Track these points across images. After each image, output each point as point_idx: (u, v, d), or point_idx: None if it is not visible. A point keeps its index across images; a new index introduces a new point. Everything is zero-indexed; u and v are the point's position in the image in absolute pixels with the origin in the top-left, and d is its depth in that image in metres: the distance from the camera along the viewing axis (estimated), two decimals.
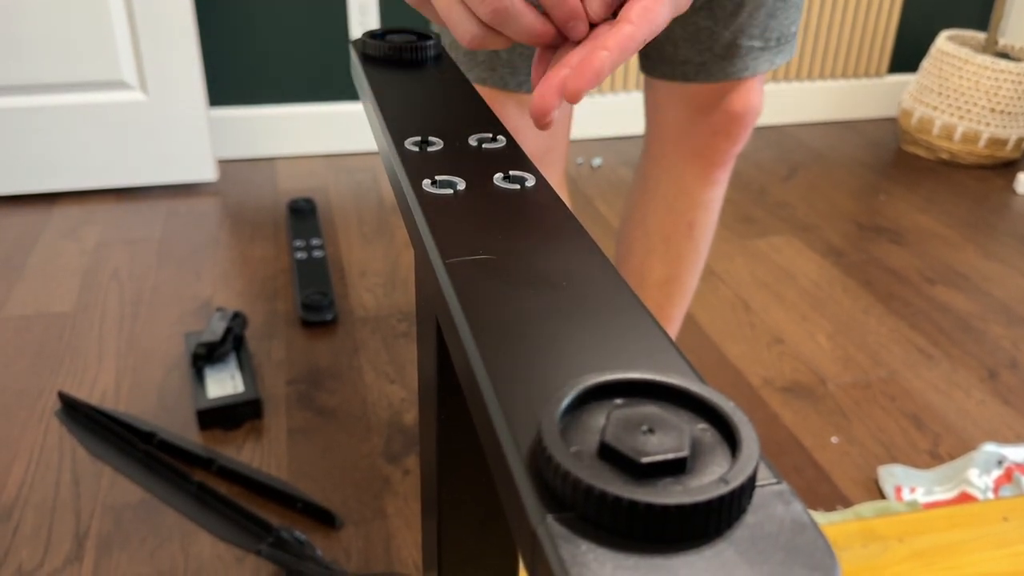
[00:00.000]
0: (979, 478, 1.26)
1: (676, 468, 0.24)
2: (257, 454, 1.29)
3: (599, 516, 0.22)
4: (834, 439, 1.36)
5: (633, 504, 0.22)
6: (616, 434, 0.24)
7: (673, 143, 1.08)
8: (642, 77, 1.09)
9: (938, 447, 1.36)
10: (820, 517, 1.20)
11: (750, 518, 0.23)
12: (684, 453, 0.24)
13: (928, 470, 1.30)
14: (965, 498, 1.24)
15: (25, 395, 1.40)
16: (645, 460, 0.23)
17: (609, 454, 0.24)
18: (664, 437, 0.24)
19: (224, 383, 1.39)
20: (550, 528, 0.22)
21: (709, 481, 0.23)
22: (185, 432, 1.33)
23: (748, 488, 0.23)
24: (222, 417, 1.34)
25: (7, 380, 1.43)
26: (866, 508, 1.21)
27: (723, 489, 0.22)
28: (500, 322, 0.33)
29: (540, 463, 0.24)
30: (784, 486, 0.24)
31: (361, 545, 1.15)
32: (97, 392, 1.41)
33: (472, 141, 0.52)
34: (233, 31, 2.18)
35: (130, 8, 1.93)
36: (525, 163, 0.51)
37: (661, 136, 1.10)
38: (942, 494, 1.25)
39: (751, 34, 0.97)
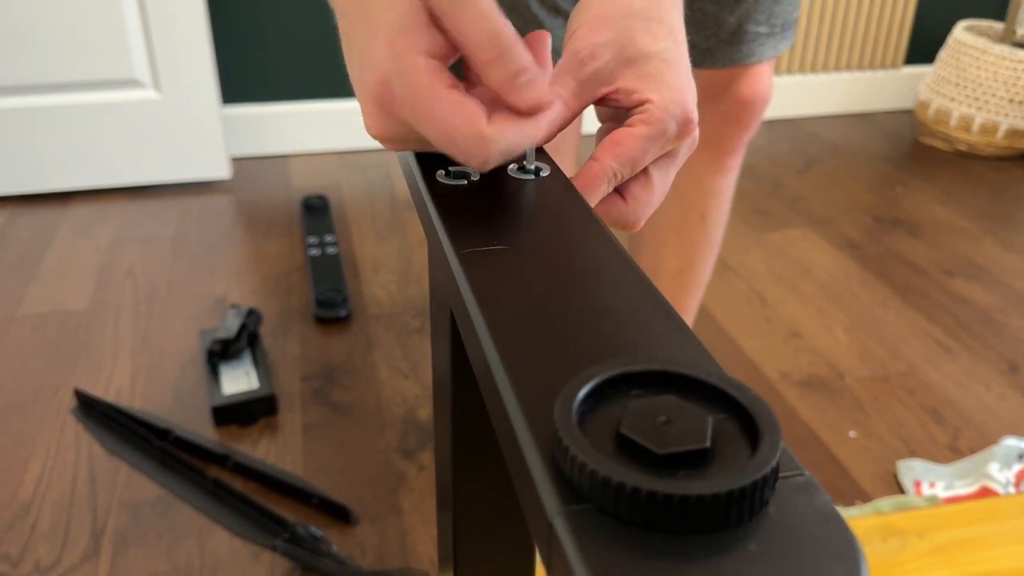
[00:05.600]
0: (1000, 472, 1.25)
1: (696, 459, 0.23)
2: (272, 450, 1.29)
3: (617, 508, 0.21)
4: (852, 433, 1.35)
5: (652, 495, 0.21)
6: (634, 425, 0.23)
7: None
8: None
9: (958, 441, 1.34)
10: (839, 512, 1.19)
11: (773, 510, 0.22)
12: (704, 444, 0.23)
13: (948, 464, 1.28)
14: (985, 493, 1.23)
15: (41, 393, 1.40)
16: (664, 451, 0.22)
17: (627, 445, 0.23)
18: (684, 428, 0.23)
19: (239, 380, 1.39)
20: (567, 520, 0.21)
21: (730, 472, 0.22)
22: (201, 429, 1.33)
23: (771, 479, 0.22)
24: (237, 413, 1.34)
25: (23, 378, 1.44)
26: (885, 503, 1.20)
27: (744, 480, 0.21)
28: (515, 312, 0.33)
29: (556, 454, 0.23)
30: (808, 477, 0.23)
31: (377, 541, 1.15)
32: (113, 389, 1.41)
33: None
34: (246, 28, 2.18)
35: (143, 6, 1.94)
36: (540, 152, 0.50)
37: None
38: (962, 489, 1.24)
39: (757, 20, 0.96)
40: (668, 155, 0.52)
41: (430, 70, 0.41)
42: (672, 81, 0.50)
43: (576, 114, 0.52)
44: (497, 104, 0.43)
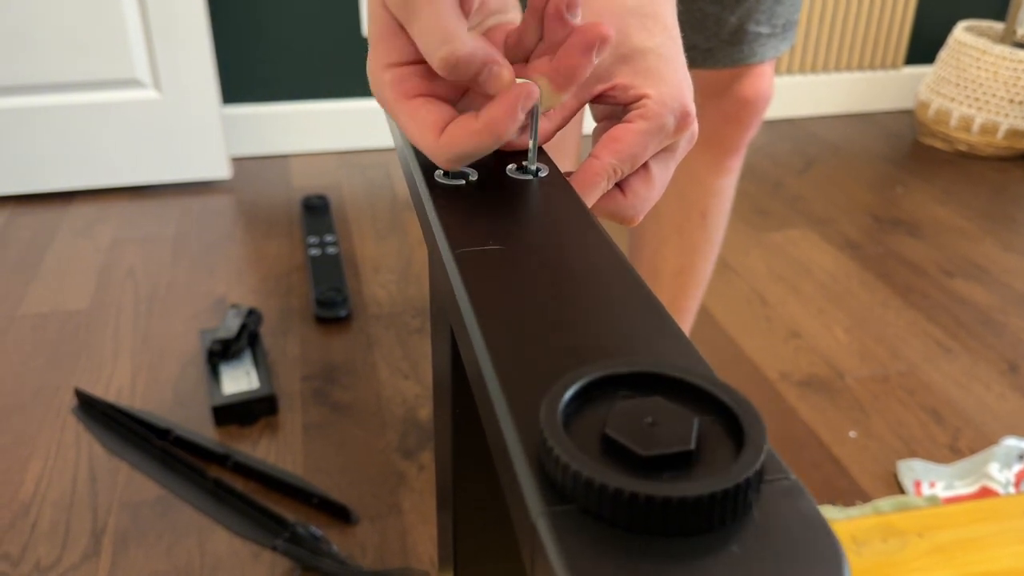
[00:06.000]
0: (1000, 472, 1.25)
1: (681, 461, 0.23)
2: (272, 450, 1.29)
3: (600, 509, 0.22)
4: (852, 433, 1.35)
5: (634, 497, 0.21)
6: (619, 426, 0.23)
7: None
8: None
9: (958, 441, 1.34)
10: (839, 512, 1.19)
11: (757, 513, 0.22)
12: (689, 446, 0.23)
13: (948, 464, 1.28)
14: (985, 493, 1.23)
15: (42, 392, 1.41)
16: (648, 453, 0.23)
17: (612, 447, 0.23)
18: (669, 430, 0.23)
19: (239, 379, 1.39)
20: (549, 521, 0.22)
21: (714, 475, 0.22)
22: (201, 428, 1.33)
23: (755, 482, 0.22)
24: (238, 413, 1.34)
25: (24, 378, 1.44)
26: (885, 503, 1.20)
27: (728, 483, 0.21)
28: (507, 313, 0.33)
29: (541, 455, 0.23)
30: (793, 481, 0.24)
31: (377, 541, 1.15)
32: (113, 389, 1.41)
33: None
34: (246, 28, 2.19)
35: (143, 6, 1.94)
36: (540, 153, 0.50)
37: None
38: (962, 489, 1.24)
39: (758, 20, 0.96)
40: (667, 150, 0.52)
41: (394, 83, 0.46)
42: (669, 76, 0.50)
43: (574, 112, 0.52)
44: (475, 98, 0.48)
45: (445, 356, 0.47)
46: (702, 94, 1.03)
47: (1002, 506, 1.19)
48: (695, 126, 0.52)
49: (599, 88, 0.51)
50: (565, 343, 0.31)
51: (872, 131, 2.58)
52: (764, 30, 0.97)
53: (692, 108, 0.51)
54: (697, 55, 0.98)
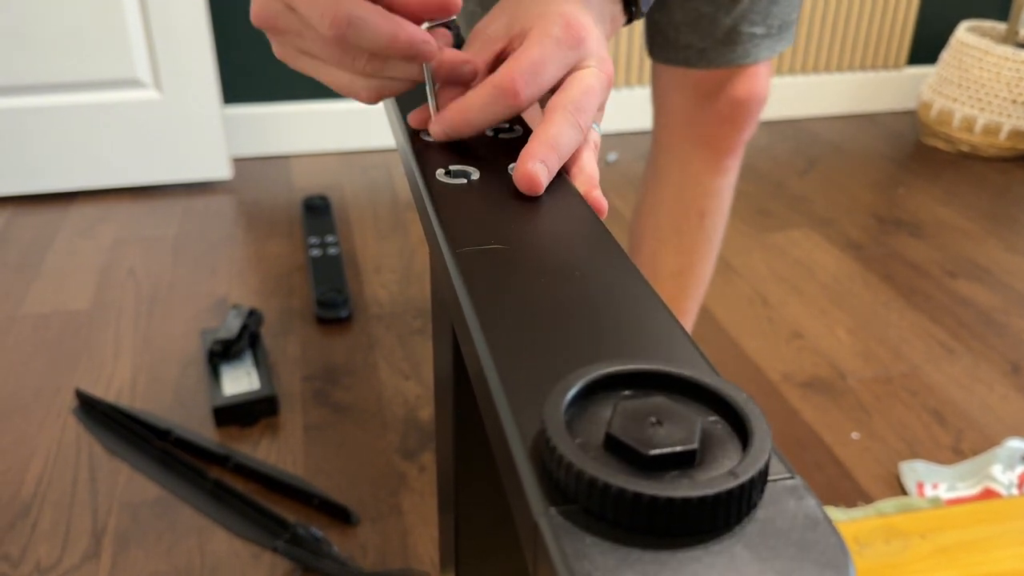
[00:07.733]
0: (1003, 474, 1.25)
1: (684, 461, 0.23)
2: (273, 451, 1.29)
3: (603, 509, 0.21)
4: (855, 435, 1.35)
5: (638, 497, 0.21)
6: (622, 426, 0.23)
7: (680, 131, 1.08)
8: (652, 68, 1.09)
9: (960, 442, 1.34)
10: (841, 514, 1.18)
11: (761, 513, 0.22)
12: (693, 446, 0.23)
13: (950, 466, 1.28)
14: (988, 494, 1.22)
15: (42, 393, 1.40)
16: (652, 452, 0.22)
17: (615, 446, 0.23)
18: (672, 429, 0.23)
19: (240, 380, 1.39)
20: (552, 520, 0.21)
21: (718, 474, 0.22)
22: (201, 429, 1.33)
23: (759, 482, 0.22)
24: (238, 414, 1.34)
25: (25, 378, 1.44)
26: (888, 504, 1.20)
27: (732, 483, 0.21)
28: (509, 312, 0.33)
29: (544, 454, 0.23)
30: (797, 480, 0.23)
31: (377, 542, 1.15)
32: (113, 389, 1.41)
33: (488, 131, 0.51)
34: (247, 28, 2.18)
35: (144, 6, 1.94)
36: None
37: (668, 124, 1.09)
38: (965, 490, 1.23)
39: (752, 20, 0.96)
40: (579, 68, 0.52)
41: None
42: (550, 5, 0.52)
43: (485, 64, 0.54)
44: None
45: (447, 356, 0.47)
46: (697, 94, 1.03)
47: (1005, 508, 1.18)
48: (592, 46, 0.52)
49: (498, 46, 0.53)
50: (567, 342, 0.31)
51: (874, 131, 2.57)
52: (759, 31, 0.97)
53: (583, 27, 0.51)
54: (692, 55, 0.98)
